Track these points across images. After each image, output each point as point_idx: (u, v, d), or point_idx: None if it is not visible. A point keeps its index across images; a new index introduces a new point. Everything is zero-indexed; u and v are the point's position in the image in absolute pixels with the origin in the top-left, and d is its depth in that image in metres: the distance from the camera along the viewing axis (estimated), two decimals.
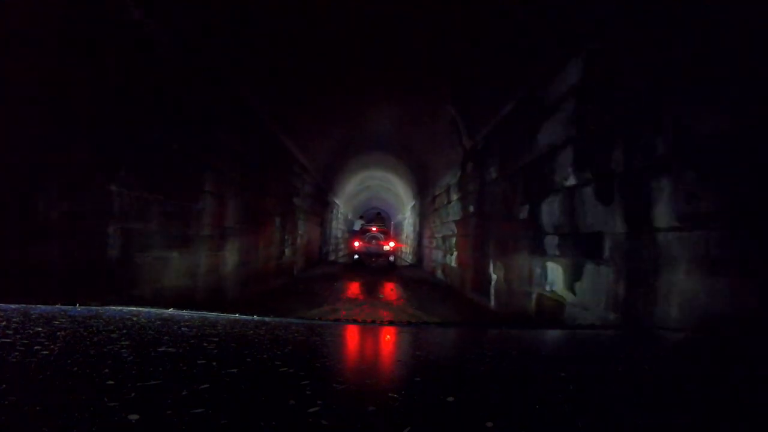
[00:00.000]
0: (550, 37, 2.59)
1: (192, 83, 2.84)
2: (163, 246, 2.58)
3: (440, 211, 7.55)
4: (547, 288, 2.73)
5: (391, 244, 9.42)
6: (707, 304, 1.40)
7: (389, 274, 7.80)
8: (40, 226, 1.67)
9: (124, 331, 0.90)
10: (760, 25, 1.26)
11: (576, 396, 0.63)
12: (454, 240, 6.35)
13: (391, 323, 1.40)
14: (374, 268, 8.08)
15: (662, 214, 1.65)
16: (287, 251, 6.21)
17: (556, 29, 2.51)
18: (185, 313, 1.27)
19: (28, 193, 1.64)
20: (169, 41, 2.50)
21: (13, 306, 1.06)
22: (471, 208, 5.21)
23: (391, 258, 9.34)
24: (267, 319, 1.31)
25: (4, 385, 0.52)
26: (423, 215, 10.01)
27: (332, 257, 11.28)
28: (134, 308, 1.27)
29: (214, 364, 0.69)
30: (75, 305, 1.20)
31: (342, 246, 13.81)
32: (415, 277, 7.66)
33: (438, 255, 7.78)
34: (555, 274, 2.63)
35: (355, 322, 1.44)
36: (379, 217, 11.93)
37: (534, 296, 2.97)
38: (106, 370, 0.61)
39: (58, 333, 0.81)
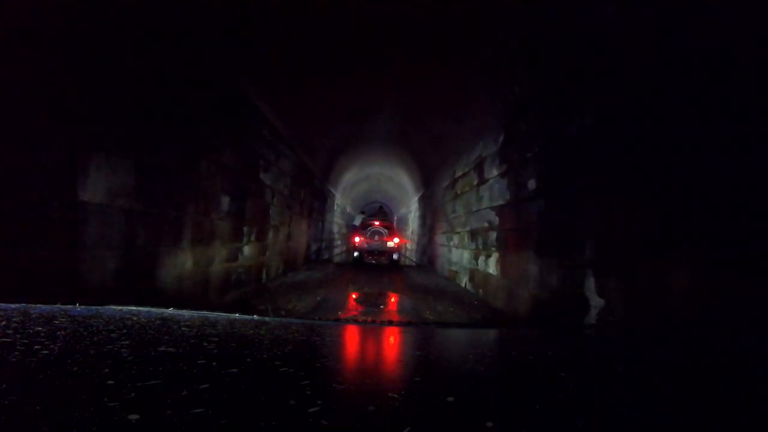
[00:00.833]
0: None
1: None
2: None
3: (465, 196, 5.65)
4: None
5: (396, 240, 8.69)
6: None
7: (394, 281, 6.10)
8: None
9: (124, 330, 0.90)
10: None
11: (576, 396, 0.63)
12: (493, 236, 4.37)
13: (390, 323, 1.40)
14: (374, 274, 6.71)
15: None
16: (248, 249, 4.37)
17: None
18: (185, 313, 1.27)
19: None
20: None
21: (13, 305, 1.06)
22: (531, 185, 3.31)
23: (395, 256, 8.69)
24: (267, 319, 1.31)
25: (4, 385, 0.52)
26: (434, 206, 8.22)
27: (326, 255, 9.95)
28: (134, 308, 1.27)
29: (214, 364, 0.69)
30: (75, 305, 1.20)
31: (339, 242, 12.63)
32: (429, 285, 5.72)
33: (462, 256, 5.85)
34: None
35: (355, 322, 1.45)
36: (381, 211, 11.05)
37: None
38: (106, 370, 0.61)
39: (58, 333, 0.81)
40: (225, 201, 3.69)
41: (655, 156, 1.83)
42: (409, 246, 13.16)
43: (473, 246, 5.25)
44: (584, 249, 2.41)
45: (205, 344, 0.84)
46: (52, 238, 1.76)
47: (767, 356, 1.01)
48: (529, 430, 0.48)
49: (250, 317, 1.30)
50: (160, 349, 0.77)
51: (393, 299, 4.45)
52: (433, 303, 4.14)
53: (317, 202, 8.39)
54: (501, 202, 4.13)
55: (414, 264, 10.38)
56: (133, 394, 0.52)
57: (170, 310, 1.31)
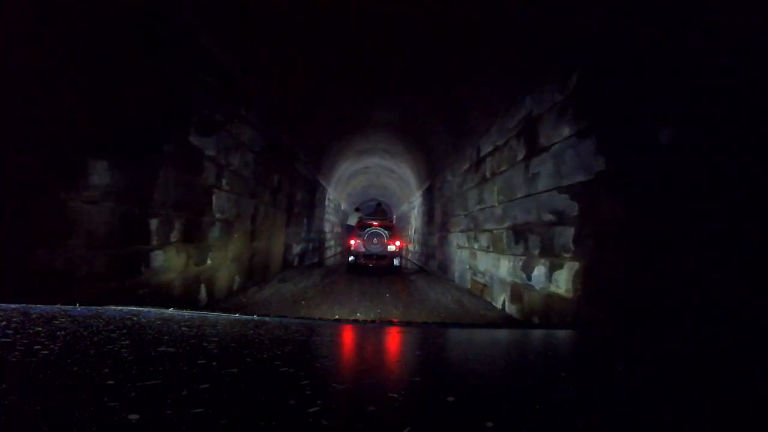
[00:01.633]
0: None
1: None
2: None
3: (500, 179, 4.13)
4: None
5: (397, 243, 7.73)
6: None
7: (399, 296, 4.71)
8: None
9: (124, 330, 0.90)
10: None
11: (576, 396, 0.63)
12: (564, 234, 2.80)
13: (390, 323, 1.40)
14: (371, 286, 5.54)
15: None
16: (163, 256, 2.79)
17: None
18: (185, 313, 1.27)
19: None
20: None
21: (13, 306, 1.06)
22: (664, 136, 1.89)
23: (396, 261, 7.71)
24: (267, 319, 1.31)
25: (4, 385, 0.52)
26: (446, 198, 6.88)
27: (316, 258, 8.66)
28: (134, 308, 1.27)
29: (214, 364, 0.69)
30: (75, 305, 1.20)
31: (332, 243, 11.31)
32: (450, 305, 4.26)
33: (496, 264, 4.23)
34: None
35: (355, 321, 1.45)
36: (380, 209, 9.87)
37: None
38: (106, 370, 0.61)
39: (58, 333, 0.81)
40: (98, 168, 2.07)
41: None
42: (410, 247, 12.06)
43: (519, 249, 3.61)
44: None
45: (205, 344, 0.84)
46: None
47: None
48: (529, 430, 0.48)
49: (250, 317, 1.30)
50: (160, 349, 0.77)
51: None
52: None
53: (302, 193, 7.06)
54: (582, 178, 2.60)
55: (418, 268, 9.13)
56: (133, 394, 0.52)
57: (170, 310, 1.31)
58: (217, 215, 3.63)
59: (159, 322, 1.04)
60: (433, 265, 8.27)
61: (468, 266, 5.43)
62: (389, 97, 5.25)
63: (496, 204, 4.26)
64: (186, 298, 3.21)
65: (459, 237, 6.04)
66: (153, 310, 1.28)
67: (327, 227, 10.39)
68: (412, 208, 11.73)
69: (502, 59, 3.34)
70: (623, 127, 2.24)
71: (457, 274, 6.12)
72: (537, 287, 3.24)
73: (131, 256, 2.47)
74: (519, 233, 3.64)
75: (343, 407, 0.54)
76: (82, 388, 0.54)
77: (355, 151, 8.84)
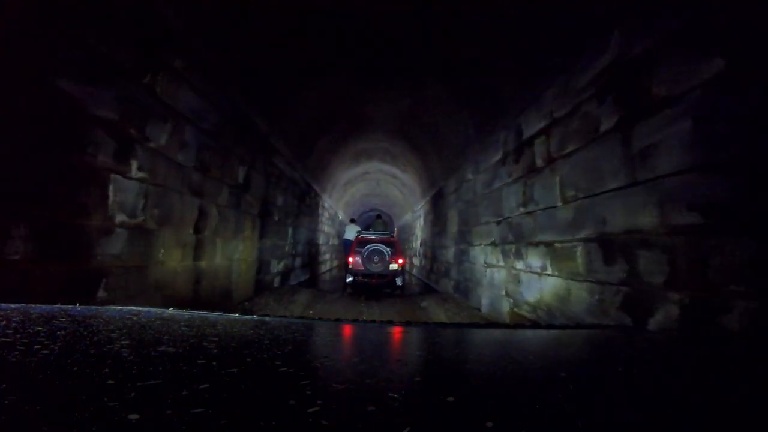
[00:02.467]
0: None
1: None
2: None
3: (570, 162, 2.71)
4: None
5: (400, 261, 7.02)
6: None
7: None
8: None
9: (124, 330, 0.90)
10: None
11: (576, 396, 0.63)
12: (727, 249, 1.43)
13: (390, 323, 1.40)
14: (368, 316, 4.48)
15: None
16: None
17: None
18: (185, 313, 1.27)
19: None
20: None
21: (13, 306, 1.06)
22: None
23: (399, 281, 7.00)
24: (267, 318, 1.31)
25: (4, 385, 0.52)
26: (466, 202, 5.44)
27: (304, 276, 7.45)
28: (134, 308, 1.27)
29: (214, 364, 0.69)
30: (75, 305, 1.20)
31: (327, 257, 9.99)
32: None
33: (568, 298, 2.62)
34: None
35: (355, 321, 1.44)
36: (379, 221, 8.78)
37: None
38: (106, 370, 0.61)
39: (58, 333, 0.81)
40: None
41: None
42: (415, 260, 10.83)
43: (614, 274, 2.17)
44: None
45: (205, 344, 0.84)
46: None
47: None
48: (529, 430, 0.48)
49: (250, 317, 1.30)
50: (160, 349, 0.77)
51: None
52: None
53: (286, 197, 5.79)
54: None
55: (426, 287, 7.82)
56: (133, 394, 0.52)
57: (170, 310, 1.31)
58: (120, 217, 2.21)
59: (159, 322, 1.04)
60: (446, 285, 6.80)
61: (504, 292, 3.94)
62: (391, 79, 4.15)
63: (560, 203, 2.86)
64: None
65: (487, 252, 4.56)
66: (153, 309, 1.28)
67: (321, 239, 9.14)
68: (417, 217, 10.33)
69: None
70: None
71: (485, 301, 4.55)
72: None
73: None
74: (612, 247, 2.23)
75: (343, 407, 0.54)
76: (82, 388, 0.54)
77: (353, 151, 7.86)
